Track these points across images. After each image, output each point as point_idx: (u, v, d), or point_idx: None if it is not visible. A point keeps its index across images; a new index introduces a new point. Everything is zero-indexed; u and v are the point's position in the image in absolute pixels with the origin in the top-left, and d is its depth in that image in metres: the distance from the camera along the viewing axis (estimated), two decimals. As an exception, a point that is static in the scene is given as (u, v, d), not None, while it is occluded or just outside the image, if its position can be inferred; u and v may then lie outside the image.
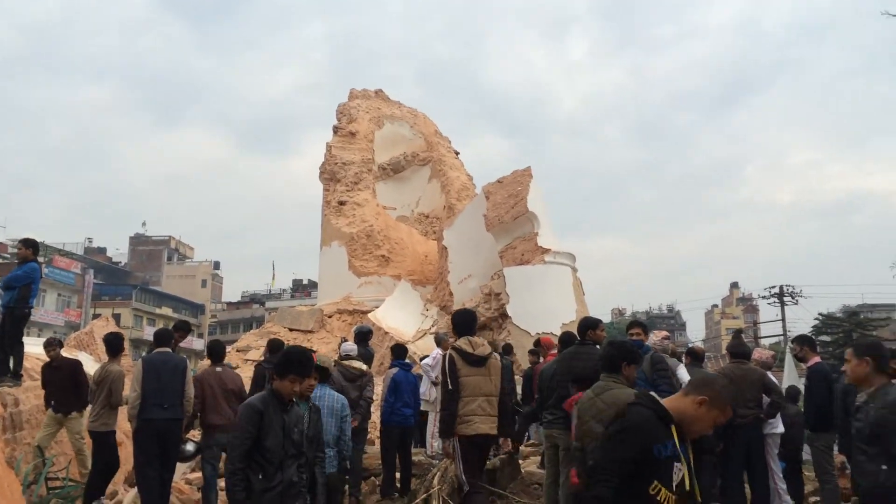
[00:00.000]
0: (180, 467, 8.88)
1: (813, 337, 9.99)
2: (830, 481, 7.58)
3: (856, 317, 41.59)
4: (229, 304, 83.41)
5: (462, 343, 6.04)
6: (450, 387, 5.91)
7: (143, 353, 10.87)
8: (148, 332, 51.82)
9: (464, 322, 6.26)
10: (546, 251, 18.33)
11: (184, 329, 8.92)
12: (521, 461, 9.39)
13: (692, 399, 3.14)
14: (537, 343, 10.86)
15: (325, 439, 5.73)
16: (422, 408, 9.85)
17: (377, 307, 20.93)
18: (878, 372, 4.24)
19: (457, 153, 27.19)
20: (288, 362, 4.43)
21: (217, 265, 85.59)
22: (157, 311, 64.03)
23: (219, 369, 7.83)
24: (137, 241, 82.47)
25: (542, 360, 9.77)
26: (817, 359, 8.02)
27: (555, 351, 8.72)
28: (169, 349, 7.69)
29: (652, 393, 3.45)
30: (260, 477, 4.20)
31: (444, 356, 6.21)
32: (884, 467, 3.98)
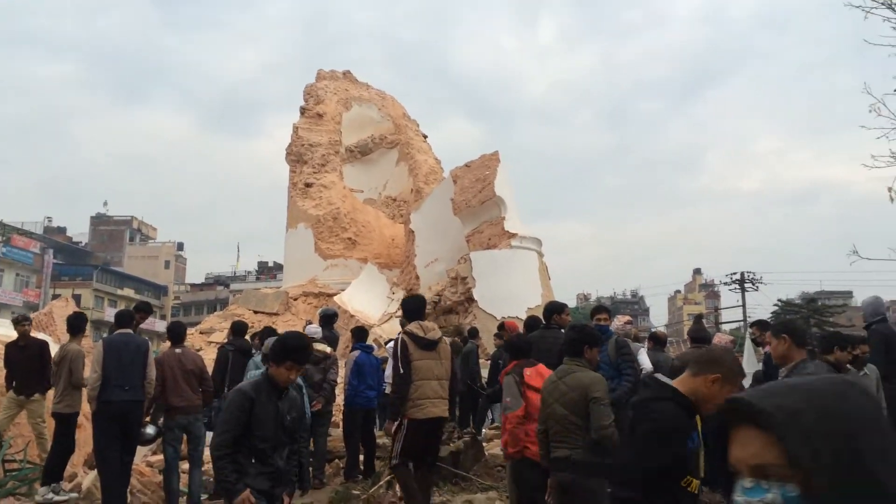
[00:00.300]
0: (141, 450, 8.81)
1: (771, 322, 10.23)
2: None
3: (813, 303, 42.55)
4: (193, 285, 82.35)
5: (414, 327, 6.10)
6: (401, 371, 5.99)
7: (104, 335, 10.73)
8: (109, 314, 50.97)
9: (414, 307, 6.35)
10: (513, 236, 18.42)
11: (145, 310, 8.79)
12: (484, 444, 9.50)
13: (704, 378, 3.12)
14: (501, 327, 10.96)
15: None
16: (387, 391, 9.88)
17: (343, 290, 20.86)
18: (797, 347, 4.40)
19: (425, 136, 27.11)
20: (286, 349, 4.27)
21: (181, 246, 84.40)
22: (119, 292, 62.99)
23: (179, 351, 7.75)
24: (99, 220, 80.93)
25: None
26: (774, 343, 8.24)
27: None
28: (130, 330, 7.59)
29: (658, 375, 3.45)
30: (253, 461, 4.12)
31: (395, 340, 6.27)
32: None
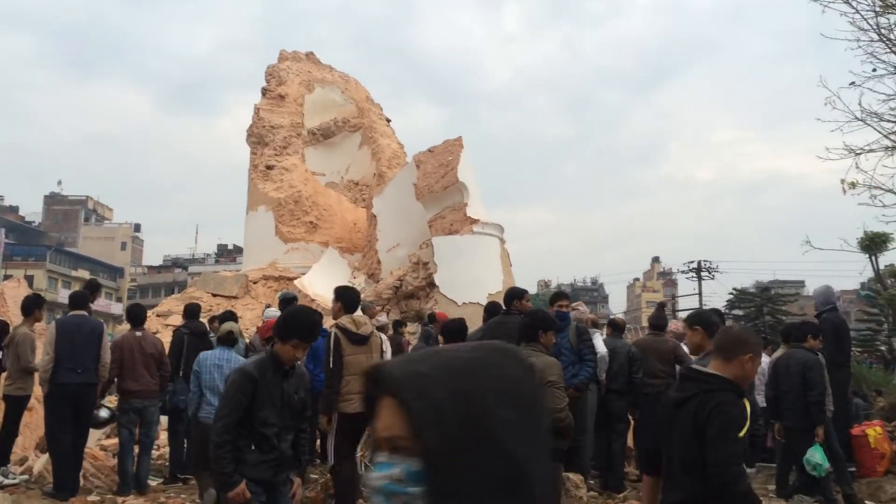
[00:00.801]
0: (94, 433, 8.69)
1: (724, 311, 10.45)
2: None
3: (767, 292, 43.49)
4: (150, 267, 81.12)
5: (346, 322, 6.12)
6: (331, 365, 6.08)
7: (58, 316, 10.51)
8: (63, 295, 49.86)
9: (350, 300, 6.39)
10: (475, 221, 18.47)
11: (93, 289, 8.62)
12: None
13: (739, 361, 3.24)
14: (432, 318, 10.99)
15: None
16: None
17: (304, 274, 20.72)
18: (710, 338, 4.51)
19: (388, 121, 26.96)
20: (292, 325, 4.01)
21: (138, 227, 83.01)
22: (73, 273, 61.69)
23: (139, 334, 7.64)
24: (52, 200, 79.11)
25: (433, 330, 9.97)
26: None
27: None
28: (85, 312, 7.46)
29: (696, 366, 3.56)
30: (253, 448, 3.84)
31: (329, 334, 6.28)
32: None
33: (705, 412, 3.14)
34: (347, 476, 6.07)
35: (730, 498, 3.07)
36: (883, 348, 34.13)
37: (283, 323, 4.06)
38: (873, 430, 8.30)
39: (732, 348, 3.31)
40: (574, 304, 8.66)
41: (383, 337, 7.17)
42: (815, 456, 6.51)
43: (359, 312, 6.69)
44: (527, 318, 5.53)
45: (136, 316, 7.91)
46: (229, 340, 6.98)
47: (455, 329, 6.28)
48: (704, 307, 38.45)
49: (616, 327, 9.08)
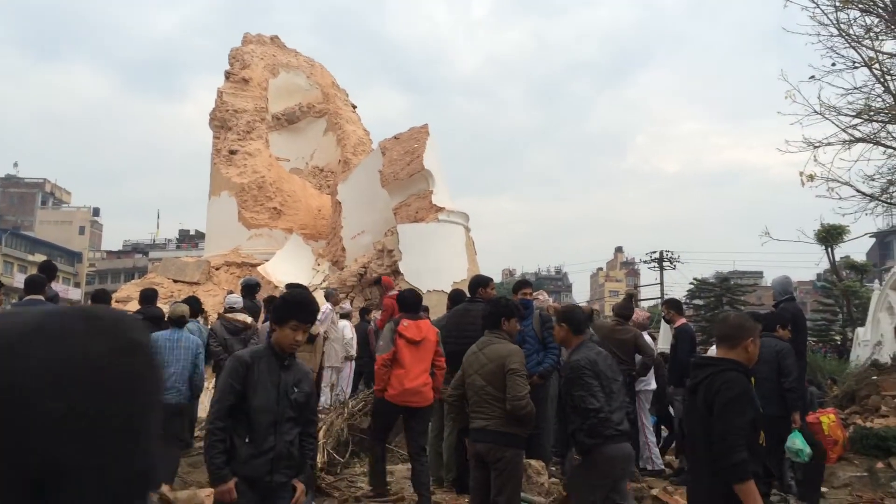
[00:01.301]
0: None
1: (684, 300, 10.59)
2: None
3: (726, 282, 44.20)
4: (109, 252, 79.66)
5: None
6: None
7: (14, 301, 10.26)
8: (18, 280, 48.73)
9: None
10: (440, 210, 18.44)
11: (49, 273, 8.38)
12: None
13: (744, 344, 3.46)
14: (378, 281, 11.08)
15: (183, 375, 6.95)
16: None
17: (267, 260, 20.51)
18: (575, 335, 4.79)
19: (354, 107, 26.75)
20: (287, 306, 3.81)
21: (97, 212, 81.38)
22: (30, 257, 60.29)
23: None
24: (8, 182, 77.15)
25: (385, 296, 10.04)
26: (683, 321, 8.55)
27: (394, 292, 9.13)
28: (41, 297, 7.29)
29: (712, 353, 3.73)
30: (246, 441, 3.58)
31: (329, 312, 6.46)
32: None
33: (713, 389, 3.33)
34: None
35: (724, 464, 3.20)
36: (837, 338, 35.06)
37: (281, 304, 3.87)
38: (827, 418, 8.48)
39: (735, 335, 3.52)
40: (536, 294, 8.71)
41: (344, 328, 7.29)
42: (796, 442, 6.62)
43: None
44: (489, 305, 5.56)
45: (100, 301, 7.76)
46: (180, 322, 7.32)
47: (412, 302, 6.53)
48: (666, 296, 39.02)
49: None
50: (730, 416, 3.26)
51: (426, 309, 12.43)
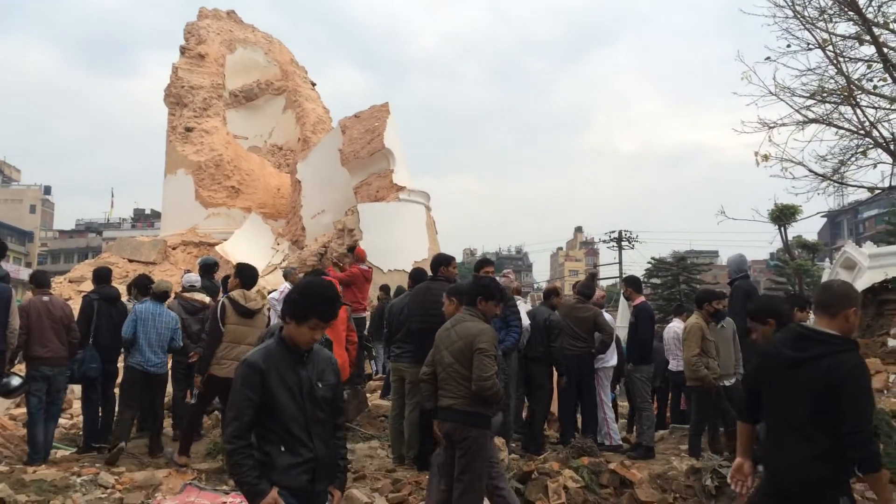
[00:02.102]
0: (3, 402, 8.32)
1: (642, 279, 10.71)
2: (648, 408, 8.30)
3: (683, 262, 44.97)
4: (62, 232, 77.84)
5: (237, 294, 6.71)
6: (210, 328, 6.76)
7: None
8: (-34, 261, 47.33)
9: (248, 277, 6.98)
10: (401, 189, 18.38)
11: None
12: (368, 394, 9.56)
13: (845, 314, 3.36)
14: (352, 249, 11.13)
15: (163, 348, 7.35)
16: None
17: (225, 240, 20.25)
18: (460, 305, 5.17)
19: (313, 84, 26.41)
20: (309, 302, 3.24)
21: (48, 190, 79.25)
22: (-22, 237, 58.61)
23: (46, 298, 7.29)
24: (-47, 159, 74.55)
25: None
26: (642, 298, 8.67)
27: (365, 266, 9.17)
28: (-9, 277, 7.09)
29: (808, 324, 3.61)
30: (282, 450, 3.16)
31: (217, 303, 6.97)
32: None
33: (840, 375, 3.21)
34: (188, 427, 7.10)
35: (864, 455, 3.17)
36: (789, 316, 35.92)
37: (300, 299, 3.26)
38: (778, 392, 8.71)
39: (837, 304, 3.40)
40: (504, 272, 8.78)
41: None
42: None
43: (254, 290, 7.12)
44: (471, 284, 5.59)
45: (40, 281, 7.55)
46: (163, 297, 7.65)
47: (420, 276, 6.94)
48: (625, 275, 39.61)
49: (546, 296, 9.13)
50: (865, 404, 3.20)
51: (387, 289, 12.42)
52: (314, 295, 3.28)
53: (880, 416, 8.44)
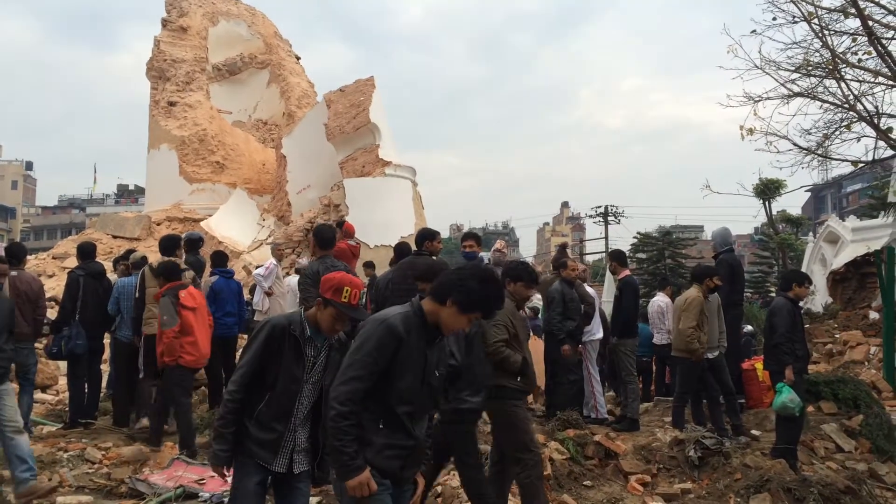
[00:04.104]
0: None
1: (627, 254, 10.76)
2: (632, 381, 8.37)
3: (669, 236, 45.20)
4: (45, 208, 77.06)
5: (157, 262, 7.25)
6: (136, 295, 7.31)
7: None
8: (-52, 237, 46.82)
9: (168, 244, 7.55)
10: (387, 164, 18.29)
11: None
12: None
13: None
14: (340, 224, 11.13)
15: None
16: (255, 318, 9.70)
17: (210, 215, 20.13)
18: (320, 248, 5.67)
19: (298, 58, 26.11)
20: (488, 296, 3.00)
21: (29, 165, 78.29)
22: (-41, 214, 57.98)
23: (14, 273, 7.19)
24: (-68, 135, 73.41)
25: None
26: (627, 272, 8.71)
27: (353, 242, 9.20)
28: (-33, 253, 7.00)
29: None
30: (381, 427, 2.92)
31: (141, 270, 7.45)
32: None
33: None
34: (147, 387, 7.27)
35: None
36: (773, 290, 36.33)
37: (481, 289, 2.99)
38: (761, 365, 8.82)
39: None
40: (497, 245, 8.91)
41: (292, 283, 7.52)
42: (792, 397, 6.70)
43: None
44: (505, 268, 5.61)
45: (14, 254, 7.44)
46: (140, 265, 7.70)
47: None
48: (611, 250, 39.76)
49: (555, 267, 9.09)
50: None
51: (372, 265, 12.41)
52: (494, 291, 3.04)
53: (861, 387, 8.59)
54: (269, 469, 3.33)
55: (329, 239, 6.69)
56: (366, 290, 4.91)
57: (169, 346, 6.43)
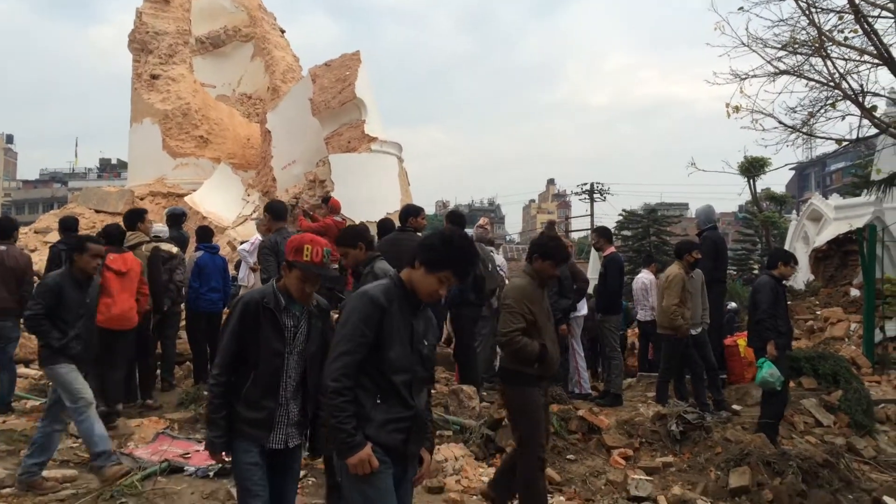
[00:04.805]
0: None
1: (613, 231, 10.81)
2: (616, 357, 8.44)
3: (654, 214, 45.39)
4: (26, 182, 76.19)
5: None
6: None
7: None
8: (-73, 212, 46.21)
9: (130, 217, 7.76)
10: (373, 139, 18.18)
11: None
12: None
13: None
14: (326, 200, 11.14)
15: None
16: (241, 293, 9.67)
17: (194, 190, 19.96)
18: (275, 221, 5.94)
19: (282, 31, 25.78)
20: (451, 252, 2.97)
21: (10, 139, 77.22)
22: (-62, 188, 57.19)
23: (3, 248, 7.14)
24: None
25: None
26: (612, 249, 8.74)
27: (339, 218, 9.24)
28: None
29: None
30: (378, 401, 2.88)
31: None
32: None
33: None
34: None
35: None
36: (756, 267, 36.63)
37: (442, 247, 2.97)
38: (743, 341, 8.91)
39: None
40: (480, 222, 8.90)
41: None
42: (772, 372, 6.80)
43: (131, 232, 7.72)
44: (534, 241, 5.42)
45: (1, 228, 7.38)
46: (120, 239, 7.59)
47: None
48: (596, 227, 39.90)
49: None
50: None
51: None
52: (458, 247, 2.98)
53: (841, 362, 8.71)
54: (266, 446, 3.31)
55: (280, 210, 6.99)
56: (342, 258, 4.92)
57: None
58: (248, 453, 3.27)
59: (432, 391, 3.27)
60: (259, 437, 3.28)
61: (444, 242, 2.97)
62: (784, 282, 7.41)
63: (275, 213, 6.98)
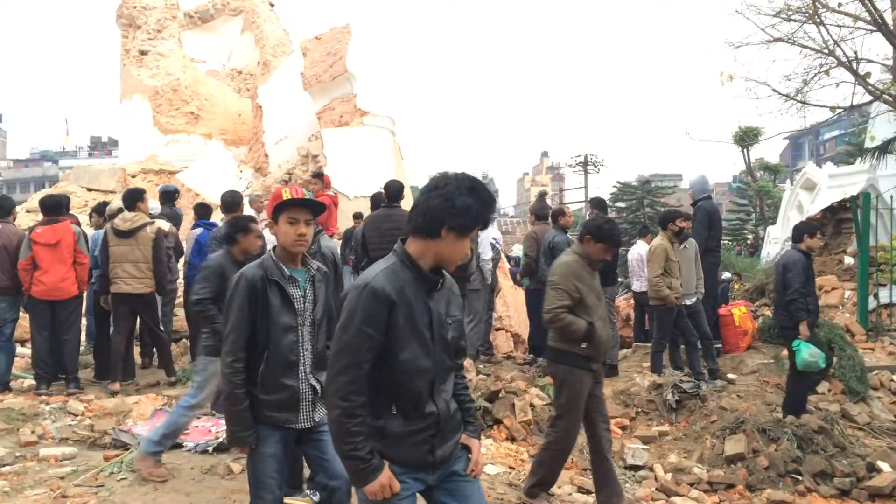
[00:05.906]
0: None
1: (608, 202, 10.77)
2: (613, 328, 8.48)
3: (647, 185, 45.37)
4: (16, 161, 75.62)
5: (118, 220, 7.31)
6: (97, 253, 7.52)
7: None
8: (-83, 192, 45.82)
9: (129, 198, 7.63)
10: (365, 113, 18.06)
11: None
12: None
13: None
14: (319, 175, 11.16)
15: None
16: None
17: (186, 167, 19.85)
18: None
19: (272, 5, 25.48)
20: (482, 205, 2.42)
21: (-1, 118, 76.56)
22: (-73, 168, 56.73)
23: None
24: None
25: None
26: (608, 220, 8.73)
27: (331, 192, 9.35)
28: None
29: None
30: (394, 413, 2.41)
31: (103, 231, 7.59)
32: None
33: None
34: (119, 346, 7.33)
35: None
36: (750, 237, 36.70)
37: (473, 201, 2.41)
38: (738, 310, 8.96)
39: None
40: None
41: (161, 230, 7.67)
42: (812, 352, 6.61)
43: (132, 213, 7.51)
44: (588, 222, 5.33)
45: (1, 207, 7.33)
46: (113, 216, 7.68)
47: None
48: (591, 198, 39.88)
49: (554, 217, 8.70)
50: None
51: (361, 216, 12.32)
52: (487, 196, 2.45)
53: (835, 330, 8.76)
54: (293, 428, 3.12)
55: (229, 202, 7.10)
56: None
57: (21, 276, 6.99)
58: (265, 441, 3.08)
59: (463, 376, 2.72)
60: (285, 420, 3.11)
61: (475, 197, 2.41)
62: (812, 254, 7.14)
63: (225, 205, 7.13)
